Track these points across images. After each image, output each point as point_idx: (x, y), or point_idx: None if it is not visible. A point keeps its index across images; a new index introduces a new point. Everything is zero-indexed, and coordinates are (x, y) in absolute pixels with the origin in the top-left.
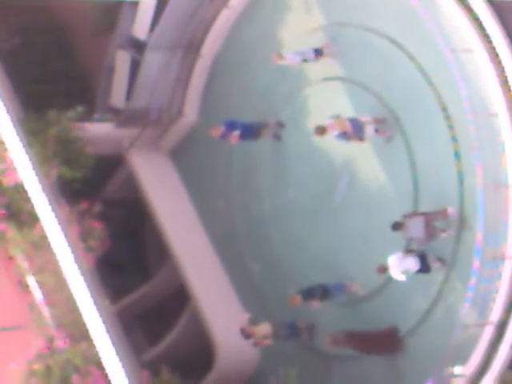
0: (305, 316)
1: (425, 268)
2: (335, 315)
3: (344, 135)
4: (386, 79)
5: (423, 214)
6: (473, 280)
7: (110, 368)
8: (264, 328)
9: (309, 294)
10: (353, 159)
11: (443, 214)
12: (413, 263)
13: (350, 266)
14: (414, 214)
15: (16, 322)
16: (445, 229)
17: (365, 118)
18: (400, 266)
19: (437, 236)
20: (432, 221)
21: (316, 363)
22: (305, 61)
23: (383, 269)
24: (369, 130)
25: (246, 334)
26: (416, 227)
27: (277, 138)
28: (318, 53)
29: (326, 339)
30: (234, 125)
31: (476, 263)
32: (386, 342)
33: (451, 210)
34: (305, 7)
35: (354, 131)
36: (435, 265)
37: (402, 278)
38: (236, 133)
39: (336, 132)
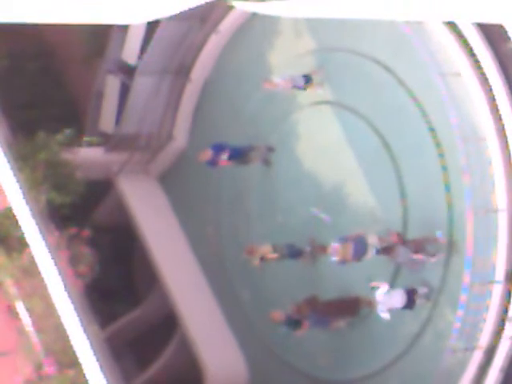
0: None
1: (410, 305)
2: (323, 340)
3: (342, 262)
4: (376, 104)
5: (413, 240)
6: (462, 300)
7: None
8: (265, 247)
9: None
10: (342, 184)
11: (433, 240)
12: (399, 300)
13: (339, 291)
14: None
15: (4, 347)
16: (434, 253)
17: (372, 239)
18: (387, 303)
19: (425, 262)
20: (421, 247)
21: None
22: (294, 87)
23: (369, 303)
24: (371, 253)
25: (248, 251)
26: (404, 253)
27: (266, 162)
28: (308, 80)
29: (291, 309)
30: (222, 147)
31: (466, 284)
32: (348, 307)
33: (440, 235)
34: (294, 32)
35: (354, 256)
36: (420, 301)
37: (386, 316)
38: (224, 155)
39: (335, 258)
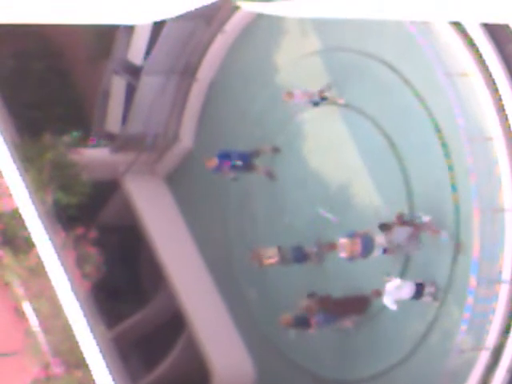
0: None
1: (417, 296)
2: (330, 340)
3: (350, 259)
4: (382, 104)
5: (414, 225)
6: (469, 300)
7: None
8: (271, 250)
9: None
10: (349, 184)
11: (432, 229)
12: (408, 292)
13: (345, 288)
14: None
15: (12, 348)
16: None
17: (380, 239)
18: (395, 295)
19: (419, 247)
20: (419, 233)
21: None
22: (311, 102)
23: (378, 293)
24: (377, 252)
25: (254, 256)
26: (400, 234)
27: (270, 175)
28: (323, 100)
29: (300, 306)
30: (227, 155)
31: (472, 284)
32: (356, 305)
33: (444, 234)
34: (300, 32)
35: (362, 252)
36: (427, 299)
37: (393, 307)
38: (229, 164)
39: (343, 254)
